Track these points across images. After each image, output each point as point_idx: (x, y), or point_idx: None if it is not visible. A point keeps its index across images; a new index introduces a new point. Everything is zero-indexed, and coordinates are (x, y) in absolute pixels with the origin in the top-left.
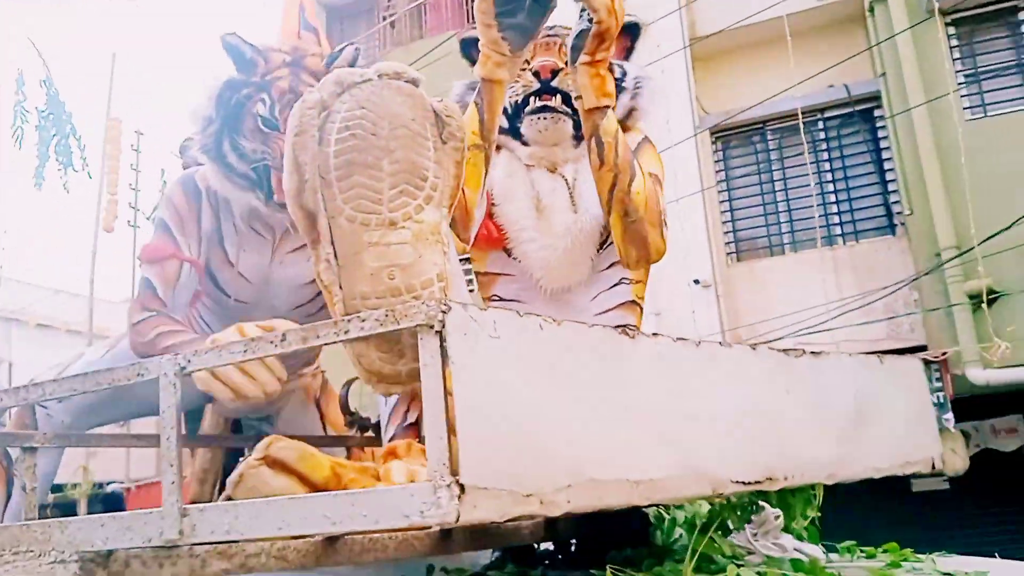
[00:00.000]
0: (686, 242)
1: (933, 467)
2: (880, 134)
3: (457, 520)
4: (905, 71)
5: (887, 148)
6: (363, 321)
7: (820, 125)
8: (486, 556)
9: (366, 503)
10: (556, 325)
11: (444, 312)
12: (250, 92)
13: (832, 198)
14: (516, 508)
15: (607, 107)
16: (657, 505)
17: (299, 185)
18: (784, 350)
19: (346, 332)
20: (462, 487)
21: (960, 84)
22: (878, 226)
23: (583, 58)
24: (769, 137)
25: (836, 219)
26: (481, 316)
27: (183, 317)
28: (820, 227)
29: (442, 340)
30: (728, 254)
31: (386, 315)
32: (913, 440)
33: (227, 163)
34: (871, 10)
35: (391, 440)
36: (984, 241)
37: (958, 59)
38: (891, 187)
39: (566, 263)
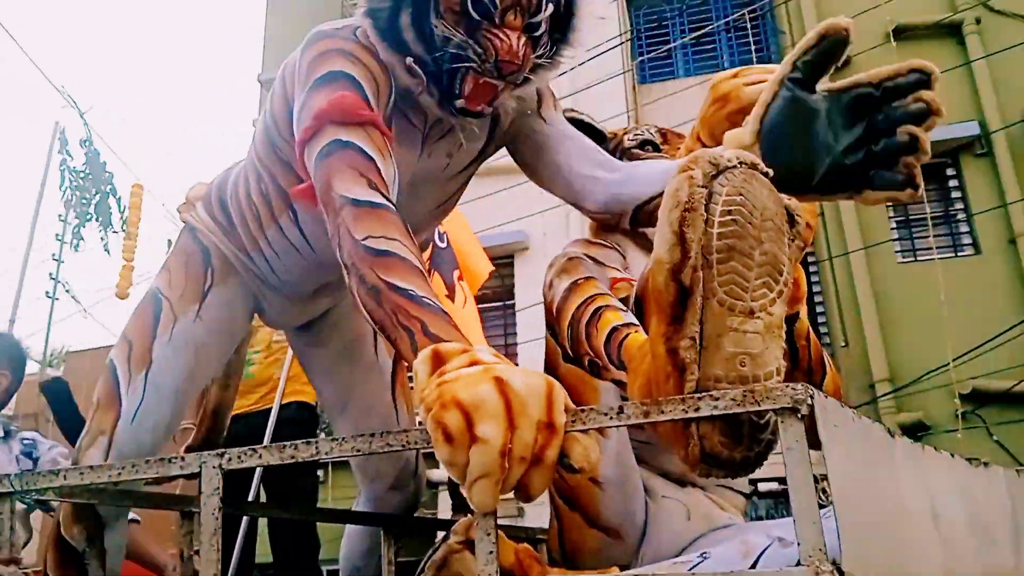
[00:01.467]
0: None
1: None
2: (812, 270)
3: None
4: (843, 216)
5: (817, 283)
6: (716, 400)
7: None
8: None
9: None
10: (859, 418)
11: (811, 396)
12: None
13: None
14: None
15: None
16: None
17: (681, 261)
18: (968, 459)
19: (696, 410)
20: (841, 573)
21: (892, 229)
22: None
23: None
24: None
25: None
26: (826, 403)
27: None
28: None
29: (804, 424)
30: None
31: (744, 395)
32: None
33: (400, 40)
34: None
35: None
36: (917, 380)
37: (890, 206)
38: (821, 320)
39: None
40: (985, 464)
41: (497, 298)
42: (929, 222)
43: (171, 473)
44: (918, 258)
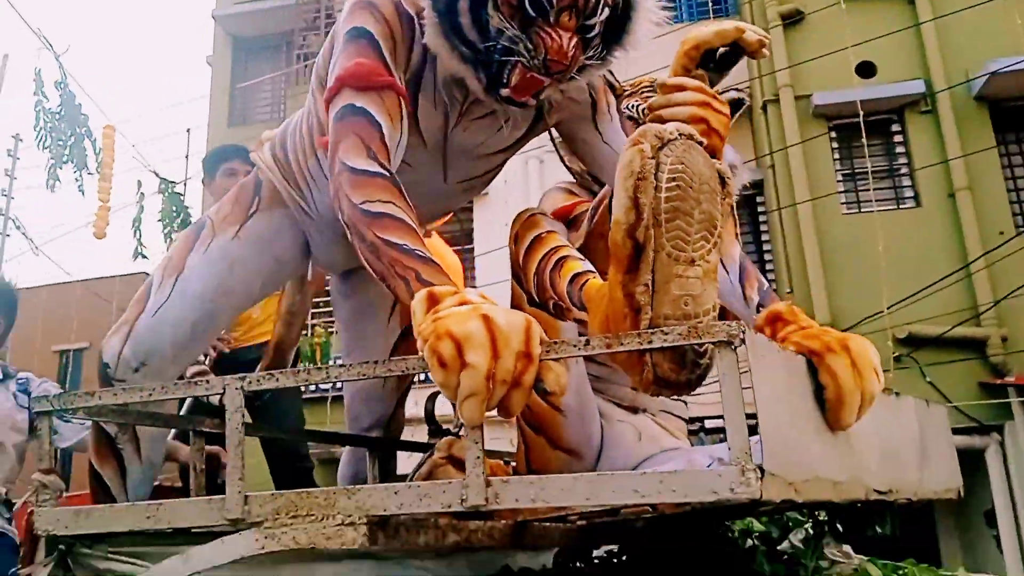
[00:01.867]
0: None
1: (959, 495)
2: (761, 219)
3: (760, 497)
4: (792, 168)
5: (765, 231)
6: (666, 334)
7: None
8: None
9: (675, 481)
10: (782, 349)
11: (743, 332)
12: None
13: None
14: (782, 493)
15: None
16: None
17: (635, 222)
18: (885, 389)
19: (650, 342)
20: (763, 471)
21: (838, 182)
22: None
23: None
24: None
25: None
26: (756, 337)
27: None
28: None
29: (736, 354)
30: None
31: (689, 330)
32: (949, 470)
33: (456, 24)
34: (764, 108)
35: None
36: (856, 325)
37: (838, 159)
38: (768, 267)
39: None
40: (896, 394)
41: (456, 243)
42: (870, 176)
43: (197, 394)
44: (862, 209)
